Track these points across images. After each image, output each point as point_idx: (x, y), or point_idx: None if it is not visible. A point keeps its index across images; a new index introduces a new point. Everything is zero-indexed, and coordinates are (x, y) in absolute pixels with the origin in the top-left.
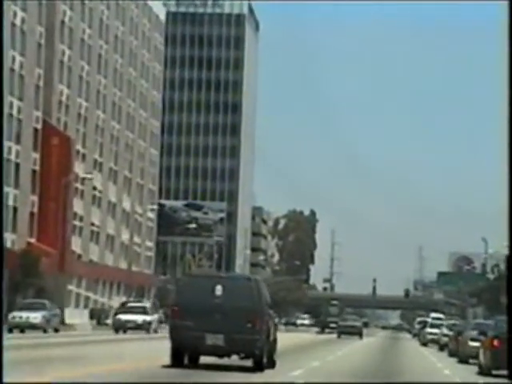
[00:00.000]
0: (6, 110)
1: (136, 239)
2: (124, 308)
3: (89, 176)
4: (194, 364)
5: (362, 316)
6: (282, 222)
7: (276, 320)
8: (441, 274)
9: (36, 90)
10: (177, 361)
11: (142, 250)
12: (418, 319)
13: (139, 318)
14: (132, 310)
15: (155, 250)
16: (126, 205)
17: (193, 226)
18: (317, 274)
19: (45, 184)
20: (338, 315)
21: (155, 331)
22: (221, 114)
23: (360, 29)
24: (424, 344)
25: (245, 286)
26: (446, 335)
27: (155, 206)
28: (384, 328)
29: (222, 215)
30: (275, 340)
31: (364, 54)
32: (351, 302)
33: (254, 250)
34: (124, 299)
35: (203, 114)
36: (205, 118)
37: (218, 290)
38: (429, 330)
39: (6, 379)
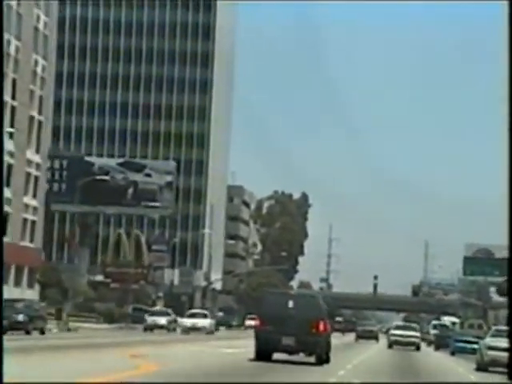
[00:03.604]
0: None
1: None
2: None
3: None
4: (269, 359)
5: (360, 318)
6: (267, 206)
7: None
8: (467, 260)
9: None
10: (260, 356)
11: (15, 211)
12: (434, 322)
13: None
14: None
15: (44, 215)
16: None
17: (107, 178)
18: (311, 272)
19: None
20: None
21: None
22: (188, 62)
23: None
24: (390, 346)
25: (310, 301)
26: (414, 336)
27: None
28: (386, 333)
29: (170, 178)
30: (330, 342)
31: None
32: (349, 301)
33: (232, 237)
34: None
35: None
36: (168, 69)
37: (290, 303)
38: (393, 331)
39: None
